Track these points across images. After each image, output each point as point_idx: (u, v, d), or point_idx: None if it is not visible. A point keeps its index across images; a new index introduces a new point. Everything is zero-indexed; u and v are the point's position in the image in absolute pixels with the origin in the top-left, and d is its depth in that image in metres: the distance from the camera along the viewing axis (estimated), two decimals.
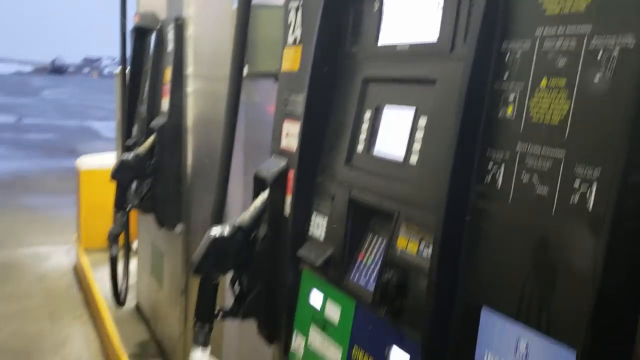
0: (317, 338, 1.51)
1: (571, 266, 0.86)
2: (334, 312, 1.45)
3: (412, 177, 1.22)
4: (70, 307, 4.87)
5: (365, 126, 1.41)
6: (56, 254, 6.14)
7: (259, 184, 1.75)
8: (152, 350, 3.78)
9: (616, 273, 0.82)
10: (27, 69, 60.67)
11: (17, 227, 7.03)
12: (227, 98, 1.92)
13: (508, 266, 0.97)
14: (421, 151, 1.21)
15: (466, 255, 1.05)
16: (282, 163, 1.69)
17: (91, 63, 62.07)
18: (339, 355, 1.41)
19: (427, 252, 1.14)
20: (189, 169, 2.95)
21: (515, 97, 0.99)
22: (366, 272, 1.37)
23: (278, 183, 1.67)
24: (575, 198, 0.85)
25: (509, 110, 1.00)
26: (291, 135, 1.67)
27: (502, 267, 0.98)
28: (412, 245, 1.20)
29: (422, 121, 1.24)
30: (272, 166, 1.70)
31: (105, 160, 5.48)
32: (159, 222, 3.07)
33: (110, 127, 12.97)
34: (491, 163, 1.02)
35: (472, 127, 1.05)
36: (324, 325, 1.48)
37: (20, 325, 4.48)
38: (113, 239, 3.19)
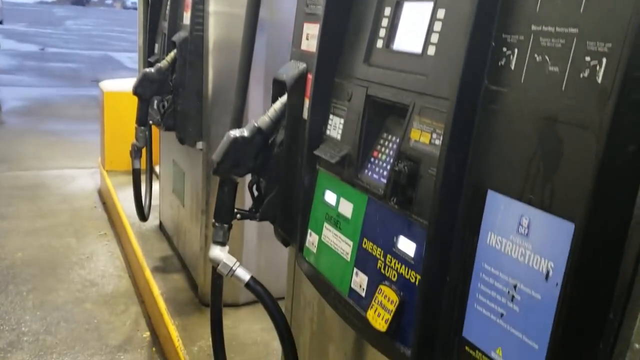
0: (330, 234, 1.57)
1: (576, 141, 0.88)
2: (346, 209, 1.50)
3: (428, 67, 1.23)
4: (95, 225, 5.05)
5: (385, 22, 1.41)
6: (81, 177, 6.31)
7: (278, 88, 1.77)
8: (174, 264, 3.94)
9: (620, 146, 0.84)
10: None
11: (43, 151, 7.20)
12: (247, 3, 1.92)
13: (516, 147, 1.00)
14: (439, 42, 1.22)
15: (476, 140, 1.08)
16: (301, 66, 1.70)
17: None
18: (350, 249, 1.47)
19: (439, 141, 1.17)
20: (210, 86, 2.97)
21: None
22: (379, 169, 1.40)
23: (297, 86, 1.69)
24: (586, 72, 0.87)
25: None
26: (312, 37, 1.67)
27: (510, 148, 1.01)
28: (424, 136, 1.22)
29: (441, 13, 1.24)
30: (291, 69, 1.72)
31: (129, 84, 5.53)
32: (180, 139, 3.12)
33: (133, 59, 12.96)
34: (505, 47, 1.03)
35: (488, 12, 1.05)
36: (337, 222, 1.53)
37: (48, 241, 4.67)
38: (135, 153, 3.26)
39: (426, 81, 1.23)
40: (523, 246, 0.98)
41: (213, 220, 1.81)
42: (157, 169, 4.71)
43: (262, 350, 3.00)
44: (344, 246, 1.49)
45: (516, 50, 1.00)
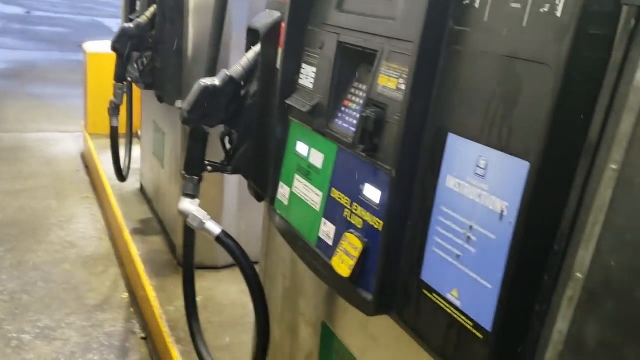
0: (300, 186, 1.56)
1: (535, 77, 0.88)
2: (317, 159, 1.49)
3: (397, 11, 1.21)
4: (77, 188, 5.01)
5: None
6: (64, 140, 6.24)
7: (252, 37, 1.75)
8: (154, 227, 3.93)
9: (577, 81, 0.83)
10: None
11: (25, 114, 7.10)
12: None
13: (477, 87, 0.99)
14: None
15: (440, 83, 1.07)
16: (276, 15, 1.68)
17: None
18: (319, 199, 1.47)
19: (404, 85, 1.16)
20: (190, 44, 2.93)
21: None
22: (350, 118, 1.39)
23: (271, 35, 1.67)
24: (546, 7, 0.86)
25: None
26: None
27: (471, 89, 1.00)
28: (391, 82, 1.21)
29: None
30: (265, 18, 1.69)
31: None
32: (159, 97, 3.09)
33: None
34: None
35: None
36: (308, 172, 1.53)
37: (28, 202, 4.64)
38: (113, 110, 3.22)
39: (394, 25, 1.21)
40: (479, 187, 0.98)
41: (183, 172, 1.80)
42: (139, 133, 4.67)
43: (240, 311, 3.02)
44: (314, 197, 1.49)
45: None
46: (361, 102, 1.37)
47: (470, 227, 1.00)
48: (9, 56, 10.89)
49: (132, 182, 4.48)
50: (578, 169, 0.79)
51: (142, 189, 4.47)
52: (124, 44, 2.93)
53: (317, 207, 1.47)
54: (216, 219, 2.51)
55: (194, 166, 1.78)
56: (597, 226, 0.72)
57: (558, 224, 0.82)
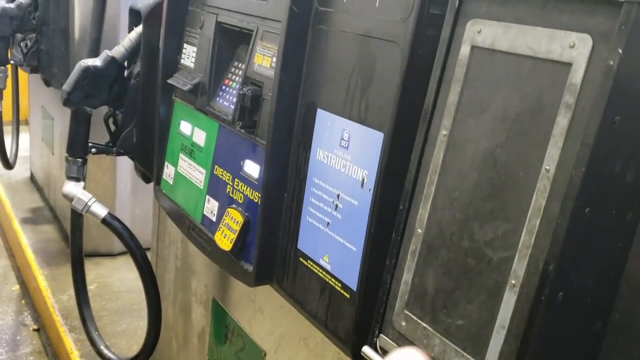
0: (185, 164, 1.57)
1: (386, 55, 0.95)
2: (200, 138, 1.51)
3: None
4: None
5: None
6: None
7: (134, 18, 1.72)
8: (45, 216, 3.76)
9: (421, 56, 0.91)
10: None
11: None
12: None
13: (339, 65, 1.05)
14: None
15: (308, 61, 1.13)
16: None
17: None
18: (203, 177, 1.49)
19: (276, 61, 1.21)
20: (77, 25, 2.82)
21: None
22: (229, 96, 1.42)
23: (153, 15, 1.65)
24: None
25: None
26: None
27: (334, 67, 1.07)
28: (266, 60, 1.25)
29: None
30: None
31: None
32: (45, 80, 2.95)
33: None
34: None
35: None
36: (192, 151, 1.54)
37: None
38: None
39: (267, 6, 1.26)
40: (344, 158, 1.05)
41: (66, 155, 1.75)
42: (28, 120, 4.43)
43: (136, 297, 2.97)
44: (198, 175, 1.51)
45: None
46: (240, 80, 1.41)
47: (338, 196, 1.07)
48: None
49: (22, 171, 4.26)
50: (417, 136, 0.87)
51: (32, 177, 4.26)
52: (5, 26, 2.77)
53: (201, 185, 1.50)
54: (109, 205, 2.46)
55: (77, 148, 1.74)
56: (432, 186, 0.80)
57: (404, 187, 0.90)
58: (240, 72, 1.41)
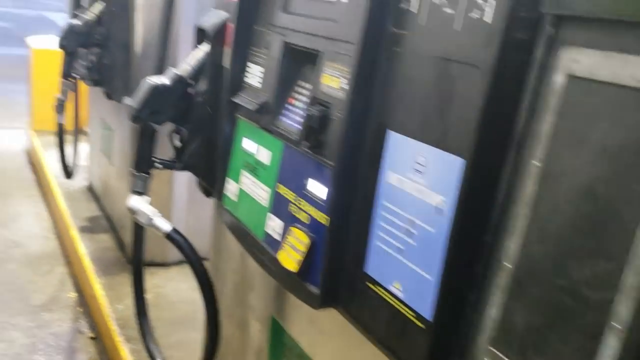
0: (248, 182, 1.58)
1: (467, 79, 0.93)
2: (264, 156, 1.52)
3: (339, 13, 1.25)
4: (21, 186, 4.87)
5: None
6: (8, 137, 6.04)
7: (200, 36, 1.75)
8: (102, 225, 3.86)
9: (505, 83, 0.88)
10: None
11: None
12: None
13: (414, 87, 1.04)
14: None
15: (380, 83, 1.11)
16: (223, 14, 1.69)
17: None
18: (267, 195, 1.49)
19: (346, 85, 1.20)
20: (139, 39, 2.89)
21: None
22: (295, 115, 1.42)
23: (218, 34, 1.68)
24: (476, 13, 0.91)
25: None
26: None
27: (409, 89, 1.05)
28: (334, 81, 1.25)
29: None
30: (213, 17, 1.70)
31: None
32: (107, 93, 3.04)
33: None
34: None
35: None
36: (255, 169, 1.55)
37: None
38: (59, 107, 3.15)
39: (336, 27, 1.25)
40: (418, 182, 1.03)
41: (131, 169, 1.79)
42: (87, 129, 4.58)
43: (190, 307, 3.01)
44: (261, 192, 1.51)
45: None
46: (306, 100, 1.40)
47: (411, 221, 1.04)
48: None
49: (80, 180, 4.39)
50: (506, 165, 0.85)
51: (90, 187, 4.38)
52: (71, 41, 2.87)
53: (265, 203, 1.50)
54: (165, 215, 2.50)
55: (143, 163, 1.78)
56: (523, 219, 0.77)
57: (489, 217, 0.87)
58: (307, 92, 1.41)
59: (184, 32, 2.71)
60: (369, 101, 1.13)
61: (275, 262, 1.37)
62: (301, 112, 1.41)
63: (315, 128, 1.27)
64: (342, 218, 1.20)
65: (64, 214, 3.93)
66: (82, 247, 3.46)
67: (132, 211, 1.80)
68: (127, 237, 3.42)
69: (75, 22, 2.90)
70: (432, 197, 1.00)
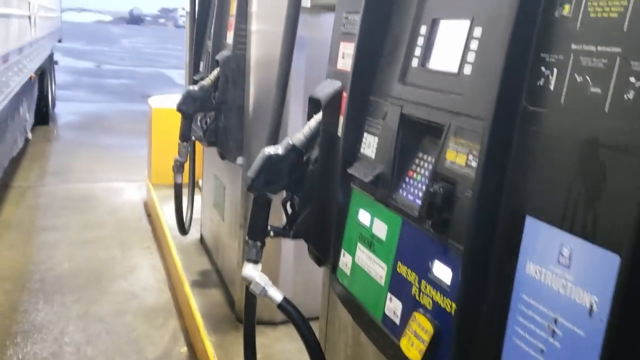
0: (363, 256, 1.52)
1: (621, 166, 0.82)
2: (380, 230, 1.46)
3: (464, 87, 1.18)
4: (139, 237, 5.14)
5: (420, 40, 1.38)
6: (128, 190, 6.46)
7: (313, 106, 1.75)
8: (212, 279, 3.95)
9: None
10: (107, 18, 62.70)
11: (94, 164, 7.42)
12: (285, 22, 1.92)
13: (556, 170, 0.94)
14: (475, 60, 1.17)
15: (514, 162, 1.02)
16: (337, 84, 1.68)
17: (167, 13, 63.41)
18: (384, 272, 1.42)
19: (476, 162, 1.12)
20: (251, 103, 2.99)
21: None
22: (414, 189, 1.36)
23: (332, 104, 1.67)
24: (630, 94, 0.81)
25: (566, 9, 0.95)
26: (347, 55, 1.65)
27: (549, 172, 0.95)
28: (460, 157, 1.17)
29: (477, 31, 1.19)
30: (326, 87, 1.70)
31: (176, 100, 5.65)
32: (221, 154, 3.15)
33: (183, 75, 13.36)
34: (544, 67, 0.98)
35: (526, 30, 1.00)
36: (371, 243, 1.49)
37: (94, 252, 4.78)
38: (178, 168, 3.31)
39: (462, 101, 1.18)
40: (564, 277, 0.92)
41: (246, 238, 1.80)
42: (200, 182, 4.78)
43: None
44: (378, 269, 1.45)
45: (555, 70, 0.95)
46: (426, 174, 1.34)
47: (555, 320, 0.93)
48: (80, 108, 11.52)
49: (192, 233, 4.54)
50: None
51: (201, 240, 4.53)
52: (189, 106, 3.02)
53: (382, 281, 1.43)
54: (273, 271, 2.49)
55: (257, 232, 1.78)
56: None
57: None
58: (428, 166, 1.35)
59: (292, 95, 2.77)
60: (501, 181, 1.05)
61: (396, 348, 1.28)
62: (421, 187, 1.34)
63: (439, 205, 1.20)
64: (472, 307, 1.10)
65: (177, 267, 4.07)
66: (194, 302, 3.55)
67: (246, 280, 1.80)
68: (237, 293, 3.46)
69: (192, 87, 3.05)
70: (580, 295, 0.89)
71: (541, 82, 0.97)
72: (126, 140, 8.88)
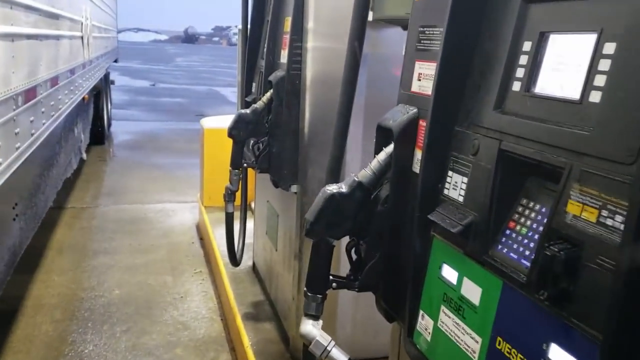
0: (449, 322, 1.25)
1: None
2: (473, 293, 1.18)
3: (592, 119, 0.91)
4: (191, 262, 4.99)
5: (524, 59, 1.11)
6: (181, 211, 6.36)
7: (382, 136, 1.50)
8: (266, 311, 3.73)
9: None
10: (163, 37, 64.65)
11: (147, 185, 7.39)
12: (348, 42, 1.68)
13: None
14: (608, 85, 0.90)
15: None
16: (411, 110, 1.42)
17: (221, 32, 64.85)
18: (478, 347, 1.15)
19: (614, 221, 0.84)
20: (306, 127, 2.76)
21: None
22: (519, 245, 1.08)
23: (406, 134, 1.41)
24: None
25: None
26: (424, 77, 1.40)
27: None
28: (589, 212, 0.89)
29: (609, 47, 0.92)
30: (399, 114, 1.44)
31: (229, 121, 5.51)
32: (274, 182, 2.93)
33: (236, 93, 13.41)
34: None
35: None
36: (459, 307, 1.22)
37: (145, 278, 4.65)
38: (229, 197, 3.11)
39: (589, 137, 0.91)
40: None
41: (305, 289, 1.55)
42: (252, 204, 4.59)
43: None
44: (470, 341, 1.17)
45: None
46: (535, 226, 1.06)
47: None
48: (135, 128, 11.65)
49: (245, 259, 4.34)
50: None
51: (254, 268, 4.33)
52: (240, 130, 2.83)
53: (475, 356, 1.15)
54: (331, 310, 2.21)
55: (317, 283, 1.54)
56: None
57: None
58: (534, 215, 1.07)
59: (353, 122, 2.53)
60: None
61: None
62: (527, 243, 1.06)
63: (558, 273, 0.92)
64: None
65: (229, 296, 3.88)
66: (246, 338, 3.33)
67: (306, 338, 1.55)
68: (291, 329, 3.22)
69: (244, 111, 2.86)
70: None
71: None
72: (180, 159, 8.87)
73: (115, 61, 12.17)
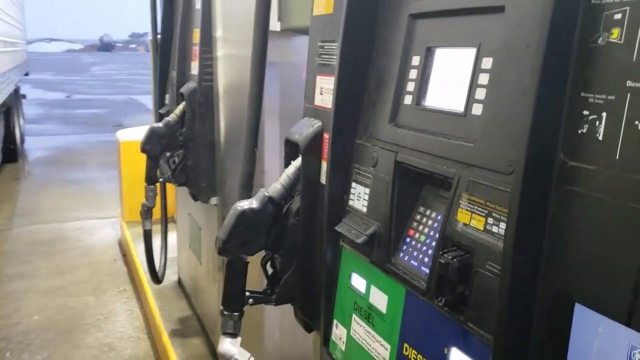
0: (360, 330, 1.28)
1: None
2: (379, 300, 1.22)
3: (475, 131, 0.95)
4: (114, 281, 4.82)
5: (413, 74, 1.15)
6: (101, 228, 6.13)
7: (290, 149, 1.51)
8: (193, 327, 3.66)
9: None
10: (78, 46, 62.10)
11: (64, 202, 7.07)
12: (252, 56, 1.68)
13: (616, 246, 0.71)
14: (487, 99, 0.95)
15: (553, 234, 0.79)
16: (316, 124, 1.44)
17: (138, 38, 63.03)
18: (388, 354, 1.18)
19: (499, 228, 0.89)
20: (222, 137, 2.73)
21: (624, 15, 0.71)
22: (418, 253, 1.12)
23: (312, 147, 1.43)
24: None
25: (614, 34, 0.73)
26: (326, 91, 1.42)
27: (606, 248, 0.72)
28: (477, 220, 0.94)
29: (487, 62, 0.97)
30: (304, 128, 1.46)
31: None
32: (193, 195, 2.88)
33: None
34: (587, 110, 0.75)
35: (560, 62, 0.78)
36: (369, 315, 1.25)
37: (65, 301, 4.45)
38: (145, 213, 3.03)
39: (474, 149, 0.95)
40: None
41: (221, 308, 1.54)
42: (175, 216, 4.49)
43: None
44: (380, 348, 1.20)
45: (604, 115, 0.72)
46: (432, 233, 1.10)
47: None
48: (49, 142, 11.12)
49: (170, 274, 4.25)
50: None
51: (179, 282, 4.24)
52: (154, 145, 2.76)
53: None
54: (258, 318, 2.15)
55: (233, 301, 1.53)
56: None
57: None
58: (431, 222, 1.11)
59: (266, 124, 2.52)
60: (536, 256, 0.82)
61: None
62: (426, 250, 1.10)
63: (453, 280, 0.96)
64: None
65: (155, 314, 3.78)
66: (174, 355, 3.26)
67: (225, 358, 1.54)
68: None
69: (157, 125, 2.79)
70: None
71: (584, 130, 0.75)
72: (98, 173, 8.55)
73: (26, 74, 11.58)
